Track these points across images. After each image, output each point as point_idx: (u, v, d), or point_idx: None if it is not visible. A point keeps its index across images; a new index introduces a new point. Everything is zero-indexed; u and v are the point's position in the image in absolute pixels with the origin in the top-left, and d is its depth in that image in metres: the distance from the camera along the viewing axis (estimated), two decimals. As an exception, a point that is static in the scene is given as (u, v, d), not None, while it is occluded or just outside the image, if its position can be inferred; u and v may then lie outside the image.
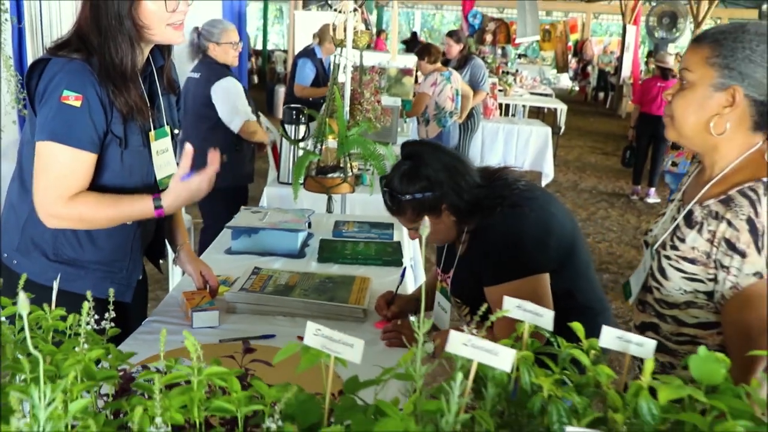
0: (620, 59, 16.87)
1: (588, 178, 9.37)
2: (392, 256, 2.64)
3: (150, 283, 2.37)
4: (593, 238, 6.57)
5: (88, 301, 1.02)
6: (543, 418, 0.95)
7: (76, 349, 0.99)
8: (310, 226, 2.94)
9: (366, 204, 3.65)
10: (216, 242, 2.84)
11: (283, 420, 0.90)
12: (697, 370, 0.97)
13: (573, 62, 21.04)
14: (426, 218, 0.96)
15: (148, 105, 1.90)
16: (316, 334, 1.00)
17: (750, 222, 1.35)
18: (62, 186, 1.76)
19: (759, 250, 1.34)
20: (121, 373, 1.08)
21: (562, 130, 9.88)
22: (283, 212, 2.92)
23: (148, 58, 1.93)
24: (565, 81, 20.99)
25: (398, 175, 1.87)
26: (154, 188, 1.95)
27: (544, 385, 0.96)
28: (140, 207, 1.85)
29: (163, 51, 1.99)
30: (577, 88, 20.99)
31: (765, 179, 1.38)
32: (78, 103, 1.73)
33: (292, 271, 2.39)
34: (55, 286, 1.07)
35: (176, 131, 2.09)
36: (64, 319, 1.07)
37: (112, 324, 1.13)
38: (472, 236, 1.90)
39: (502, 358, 0.92)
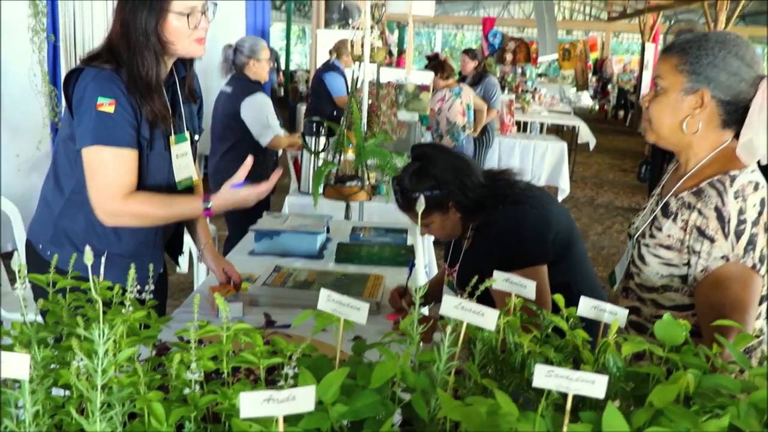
0: (639, 77, 16.96)
1: (605, 193, 9.47)
2: (405, 257, 2.79)
3: (174, 291, 2.56)
4: (608, 250, 6.67)
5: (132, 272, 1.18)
6: (524, 372, 1.10)
7: (123, 311, 1.15)
8: (328, 230, 3.11)
9: (383, 212, 3.80)
10: (240, 245, 3.01)
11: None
12: (661, 333, 1.12)
13: (593, 80, 21.14)
14: (422, 196, 1.11)
15: (171, 112, 2.07)
16: (328, 300, 1.15)
17: (717, 210, 1.51)
18: (115, 184, 1.94)
19: (726, 236, 1.50)
20: (157, 343, 1.24)
21: (592, 145, 10.01)
22: (303, 217, 3.09)
23: (171, 69, 2.11)
24: (587, 100, 21.07)
25: (408, 174, 2.03)
26: (173, 189, 2.13)
27: (524, 342, 1.11)
28: (191, 207, 2.06)
29: (185, 63, 2.17)
30: (597, 107, 21.07)
31: (732, 172, 1.54)
32: (112, 108, 1.90)
33: (311, 269, 2.55)
34: (103, 259, 1.23)
35: (196, 137, 2.26)
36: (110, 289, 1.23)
37: (152, 296, 1.29)
38: (476, 232, 2.06)
39: (487, 318, 1.07)
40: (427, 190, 1.99)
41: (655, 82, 1.63)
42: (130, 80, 1.94)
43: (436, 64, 6.35)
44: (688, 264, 1.57)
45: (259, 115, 4.24)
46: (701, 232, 1.52)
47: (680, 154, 1.66)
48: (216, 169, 4.38)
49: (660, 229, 1.62)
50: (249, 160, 2.06)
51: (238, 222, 4.15)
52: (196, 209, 2.05)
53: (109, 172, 1.93)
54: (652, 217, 1.67)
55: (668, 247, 1.60)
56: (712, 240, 1.51)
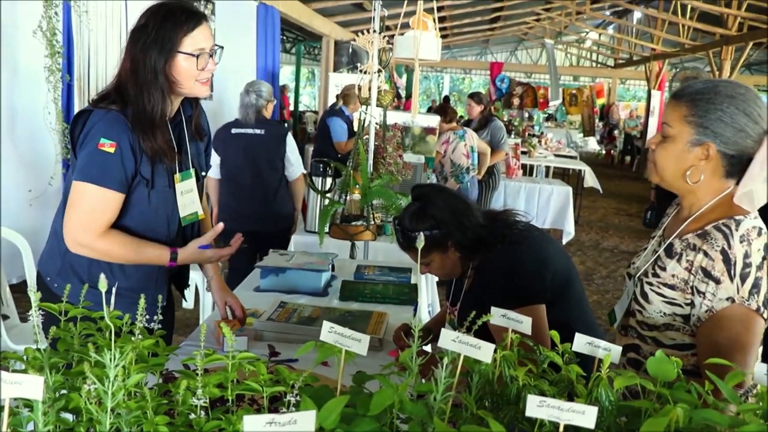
0: (646, 124, 17.07)
1: (610, 237, 9.49)
2: (408, 295, 2.82)
3: (180, 326, 2.61)
4: (612, 294, 6.67)
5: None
6: (519, 404, 1.13)
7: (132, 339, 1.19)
8: (333, 269, 3.15)
9: (387, 252, 3.83)
10: (246, 281, 3.06)
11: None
12: (654, 369, 1.15)
13: (600, 126, 21.29)
14: (421, 234, 1.16)
15: (174, 149, 2.13)
16: (329, 332, 1.19)
17: (724, 253, 1.54)
18: (92, 220, 2.01)
19: (732, 278, 1.53)
20: (164, 371, 1.28)
21: (600, 190, 10.17)
22: (308, 255, 3.14)
23: (179, 108, 2.18)
24: (593, 145, 21.23)
25: (408, 214, 2.09)
26: (178, 225, 2.20)
27: (519, 375, 1.14)
28: (157, 255, 2.11)
29: (192, 102, 2.24)
30: (603, 152, 21.18)
31: (736, 217, 1.58)
32: (112, 150, 1.98)
33: (315, 306, 2.59)
34: (113, 290, 1.27)
35: (203, 173, 2.32)
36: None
37: (160, 326, 1.34)
38: (476, 272, 2.10)
39: (483, 351, 1.11)
40: (427, 229, 2.04)
41: (662, 127, 1.66)
42: (134, 116, 2.01)
43: (437, 109, 6.48)
44: (691, 304, 1.60)
45: (297, 156, 4.65)
46: (707, 274, 1.56)
47: (683, 199, 1.71)
48: (270, 209, 4.55)
49: (664, 269, 1.65)
50: (219, 227, 2.17)
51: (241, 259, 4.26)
52: (161, 259, 2.12)
53: (90, 208, 2.00)
54: (654, 258, 1.71)
55: (672, 287, 1.63)
56: (717, 281, 1.54)
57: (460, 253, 2.07)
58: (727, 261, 1.54)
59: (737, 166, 1.61)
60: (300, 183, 4.66)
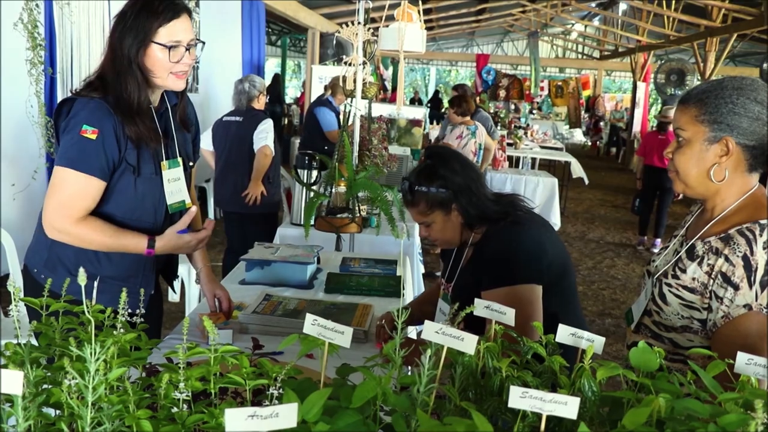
0: (631, 115, 17.14)
1: (596, 228, 9.54)
2: (394, 287, 2.82)
3: (166, 320, 2.59)
4: (598, 285, 6.70)
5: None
6: (502, 396, 1.13)
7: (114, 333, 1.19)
8: (319, 261, 3.14)
9: (373, 244, 3.83)
10: (231, 273, 3.05)
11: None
12: (636, 359, 1.16)
13: (586, 117, 21.35)
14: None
15: (160, 137, 2.13)
16: (312, 324, 1.19)
17: (745, 259, 1.52)
18: (70, 205, 2.00)
19: (751, 285, 1.50)
20: (147, 365, 1.28)
21: (587, 180, 10.23)
22: (294, 248, 3.13)
23: (163, 97, 2.18)
24: (579, 136, 21.30)
25: (419, 170, 2.12)
26: (165, 214, 2.20)
27: (502, 366, 1.14)
28: (135, 243, 2.09)
29: (176, 92, 2.23)
30: (589, 143, 21.26)
31: (762, 221, 1.55)
32: (94, 136, 1.98)
33: (301, 298, 2.59)
34: (96, 281, 1.26)
35: (190, 163, 2.32)
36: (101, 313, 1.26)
37: (142, 319, 1.33)
38: (475, 248, 2.11)
39: (467, 343, 1.11)
40: (434, 187, 2.06)
41: (676, 133, 1.64)
42: (115, 102, 2.01)
43: (455, 97, 6.38)
44: (708, 309, 1.58)
45: (265, 131, 4.85)
46: (726, 279, 1.53)
47: (707, 201, 1.67)
48: (236, 189, 4.83)
49: (684, 271, 1.63)
50: (193, 210, 2.17)
51: (246, 235, 4.63)
52: (139, 246, 2.09)
53: (69, 193, 2.00)
54: (675, 258, 1.68)
55: (691, 290, 1.60)
56: (736, 287, 1.52)
57: (463, 218, 2.08)
58: (748, 267, 1.51)
59: (760, 157, 1.59)
60: (259, 154, 4.78)
